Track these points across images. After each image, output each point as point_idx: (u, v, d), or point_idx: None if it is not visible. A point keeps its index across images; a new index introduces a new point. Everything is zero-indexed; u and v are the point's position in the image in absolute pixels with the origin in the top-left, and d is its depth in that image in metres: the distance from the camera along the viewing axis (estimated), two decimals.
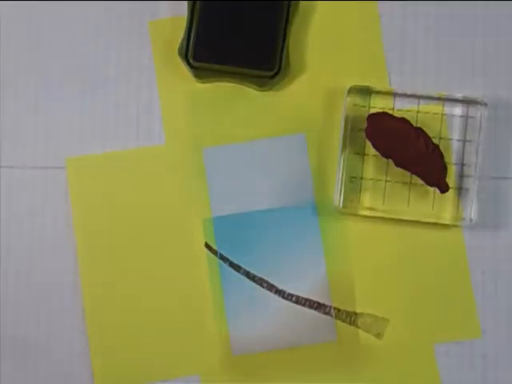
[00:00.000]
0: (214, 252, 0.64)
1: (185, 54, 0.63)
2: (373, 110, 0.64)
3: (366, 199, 0.64)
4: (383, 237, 0.64)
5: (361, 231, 0.64)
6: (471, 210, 0.63)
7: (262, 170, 0.65)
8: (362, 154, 0.64)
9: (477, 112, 0.64)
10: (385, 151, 0.62)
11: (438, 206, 0.64)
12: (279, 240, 0.64)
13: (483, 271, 0.64)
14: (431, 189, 0.64)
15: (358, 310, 0.63)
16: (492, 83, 0.65)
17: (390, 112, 0.64)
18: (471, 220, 0.63)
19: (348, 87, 0.63)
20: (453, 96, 0.64)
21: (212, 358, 0.63)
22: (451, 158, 0.64)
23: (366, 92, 0.64)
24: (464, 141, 0.64)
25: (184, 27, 0.64)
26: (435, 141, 0.64)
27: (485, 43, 0.65)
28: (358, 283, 0.64)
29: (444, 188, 0.62)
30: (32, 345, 0.63)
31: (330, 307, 0.63)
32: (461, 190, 0.64)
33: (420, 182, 0.64)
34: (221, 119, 0.65)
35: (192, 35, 0.63)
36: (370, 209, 0.64)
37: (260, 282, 0.64)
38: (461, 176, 0.64)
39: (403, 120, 0.62)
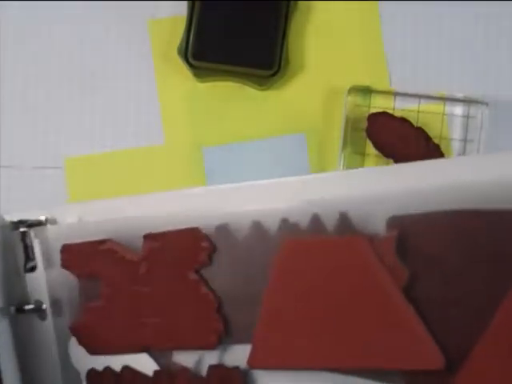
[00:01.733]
0: None
1: (184, 54, 0.63)
2: (373, 110, 0.64)
3: None
4: None
5: None
6: None
7: (262, 170, 0.64)
8: (362, 153, 0.64)
9: (477, 112, 0.64)
10: (385, 151, 0.62)
11: None
12: None
13: None
14: None
15: None
16: (493, 83, 0.65)
17: (391, 112, 0.64)
18: None
19: (348, 87, 0.63)
20: (453, 96, 0.63)
21: None
22: None
23: (366, 92, 0.64)
24: (465, 140, 0.64)
25: (184, 26, 0.64)
26: (436, 141, 0.64)
27: (485, 43, 0.65)
28: None
29: None
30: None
31: None
32: None
33: None
34: (220, 119, 0.65)
35: (192, 34, 0.63)
36: None
37: None
38: None
39: (404, 120, 0.62)
